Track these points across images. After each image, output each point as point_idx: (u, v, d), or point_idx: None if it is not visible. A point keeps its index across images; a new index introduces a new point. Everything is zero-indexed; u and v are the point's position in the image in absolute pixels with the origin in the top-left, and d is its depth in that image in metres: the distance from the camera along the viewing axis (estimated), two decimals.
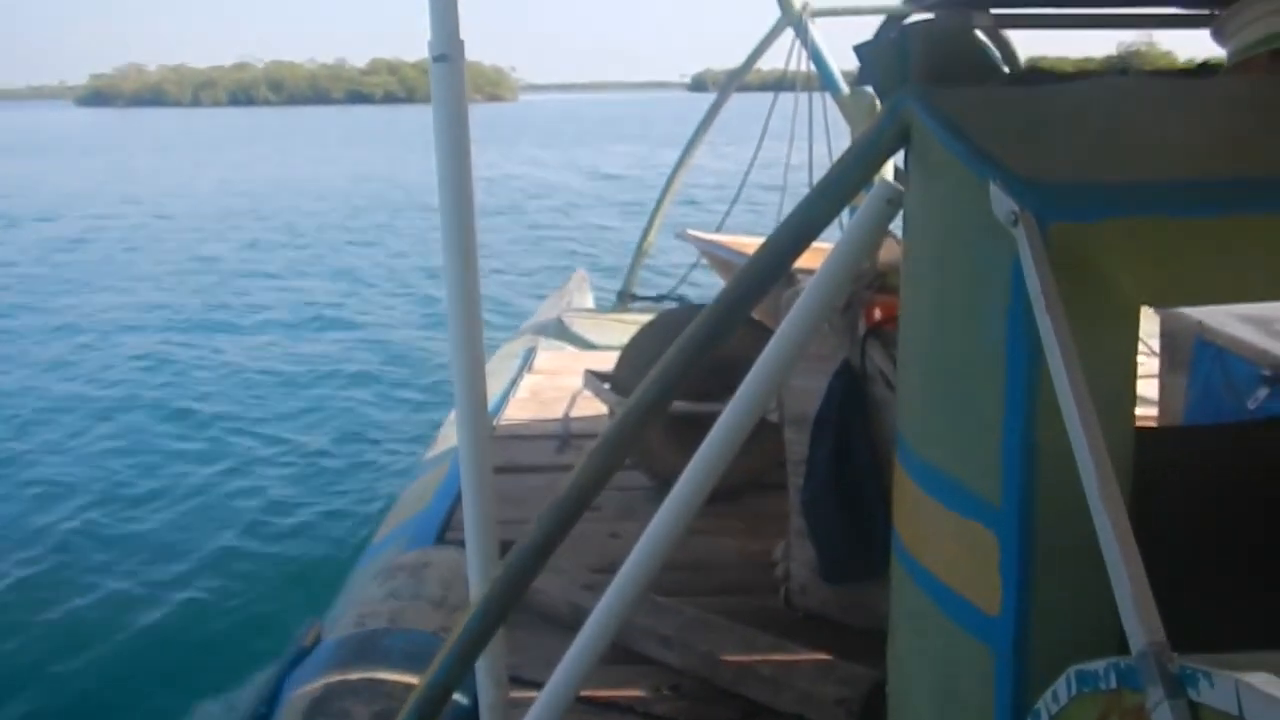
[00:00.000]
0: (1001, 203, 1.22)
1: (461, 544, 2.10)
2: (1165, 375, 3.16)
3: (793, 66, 6.67)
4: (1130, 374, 1.29)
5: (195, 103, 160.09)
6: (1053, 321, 1.14)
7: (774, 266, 1.55)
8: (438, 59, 1.72)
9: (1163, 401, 3.19)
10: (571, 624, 2.44)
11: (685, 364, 1.57)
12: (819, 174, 5.80)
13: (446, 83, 1.74)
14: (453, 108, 1.75)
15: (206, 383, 9.35)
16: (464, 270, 1.82)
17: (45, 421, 8.18)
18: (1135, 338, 1.28)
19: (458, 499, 3.75)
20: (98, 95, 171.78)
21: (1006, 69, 1.88)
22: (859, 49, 1.80)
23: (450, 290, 1.85)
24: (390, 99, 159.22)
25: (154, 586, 5.43)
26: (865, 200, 1.55)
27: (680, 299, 7.32)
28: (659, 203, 7.63)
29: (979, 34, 1.80)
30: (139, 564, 5.72)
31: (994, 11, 1.89)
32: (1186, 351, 3.01)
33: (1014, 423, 1.27)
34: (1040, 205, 1.21)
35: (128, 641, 4.85)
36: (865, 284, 2.64)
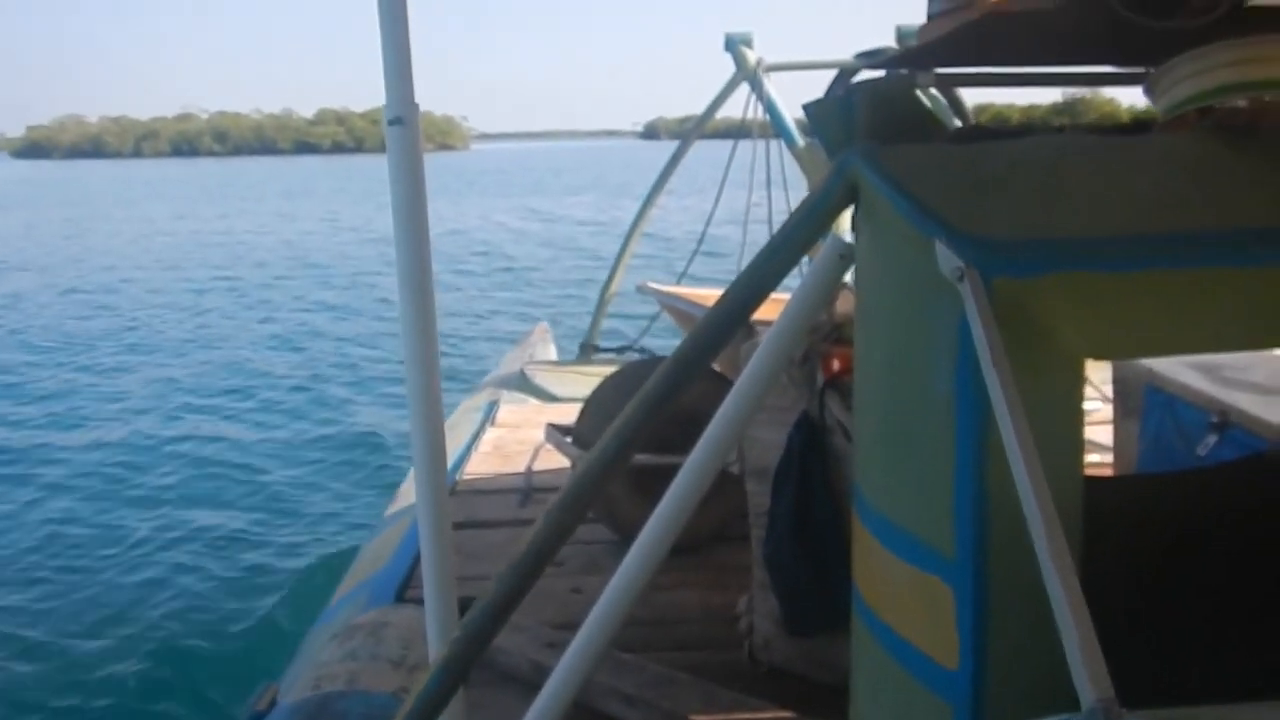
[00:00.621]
0: (947, 259, 1.25)
1: (421, 602, 2.08)
2: (1119, 423, 3.21)
3: (749, 117, 6.77)
4: (1076, 424, 1.31)
5: (137, 153, 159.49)
6: (998, 374, 1.16)
7: (731, 320, 1.57)
8: (393, 122, 1.74)
9: (1117, 449, 3.23)
10: (533, 682, 2.41)
11: (645, 418, 1.57)
12: (779, 222, 5.85)
13: (402, 145, 1.75)
14: (409, 170, 1.76)
15: (154, 445, 9.22)
16: (421, 329, 1.83)
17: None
18: (1080, 389, 1.30)
19: (418, 556, 3.71)
20: (35, 147, 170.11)
21: (956, 123, 1.92)
22: (807, 108, 1.84)
23: (408, 349, 1.85)
24: (338, 149, 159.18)
25: (101, 648, 5.32)
26: (818, 254, 1.58)
27: (643, 351, 7.33)
28: (621, 253, 7.66)
29: (924, 92, 1.85)
30: (88, 623, 5.62)
31: (938, 71, 1.94)
32: (1138, 399, 3.05)
33: (965, 474, 1.29)
34: (984, 261, 1.24)
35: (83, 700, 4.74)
36: (822, 336, 2.66)
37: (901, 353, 1.43)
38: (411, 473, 5.17)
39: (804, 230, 1.56)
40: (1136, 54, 1.87)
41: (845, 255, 1.54)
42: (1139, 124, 1.70)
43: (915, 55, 2.00)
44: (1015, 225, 1.30)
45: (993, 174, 1.38)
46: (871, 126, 1.60)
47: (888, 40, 6.24)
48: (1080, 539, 1.27)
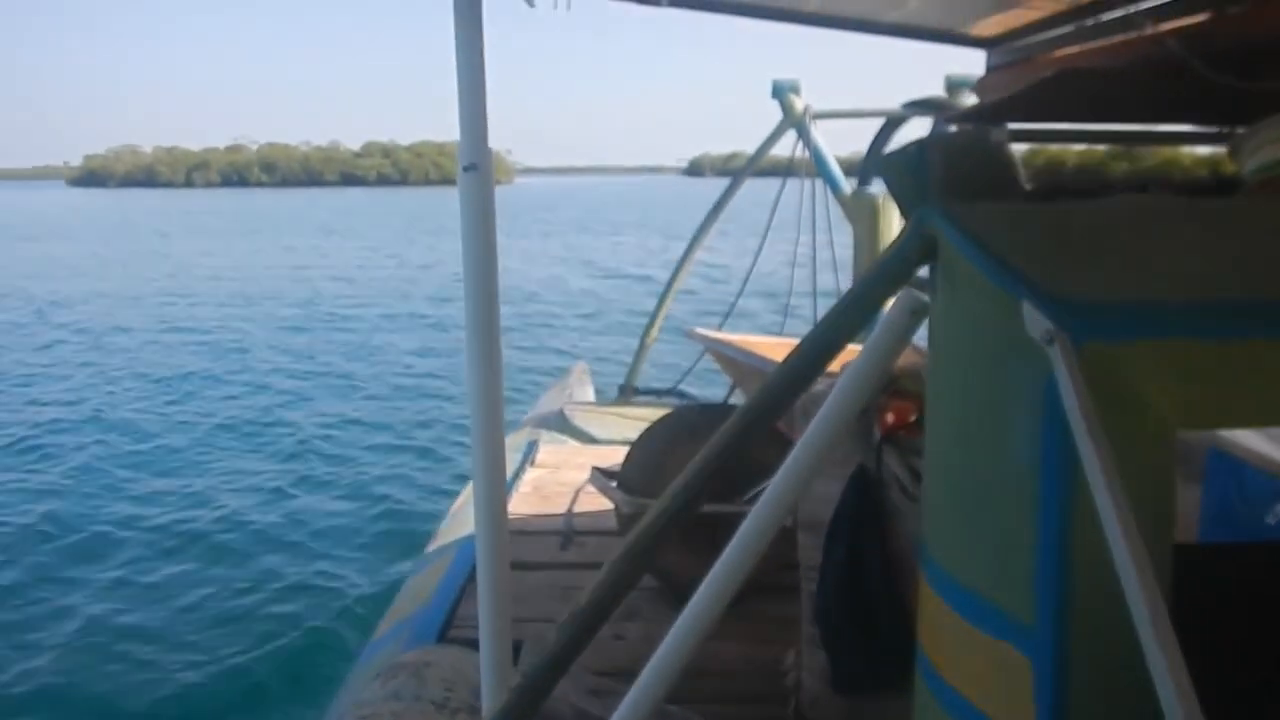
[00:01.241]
0: (1035, 322, 1.23)
1: (464, 642, 2.07)
2: (1178, 487, 3.13)
3: (795, 165, 6.78)
4: (1168, 495, 1.28)
5: (188, 183, 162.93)
6: (1094, 443, 1.13)
7: (803, 375, 1.55)
8: (467, 168, 1.76)
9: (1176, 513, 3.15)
10: None
11: (710, 472, 1.56)
12: (822, 266, 5.84)
13: (474, 191, 1.76)
14: (480, 215, 1.77)
15: (210, 473, 9.28)
16: (487, 370, 1.83)
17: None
18: (1172, 459, 1.27)
19: (460, 595, 3.70)
20: (91, 176, 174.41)
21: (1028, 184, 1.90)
22: (879, 160, 1.83)
23: (472, 389, 1.84)
24: (384, 181, 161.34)
25: (139, 683, 5.32)
26: (889, 310, 1.56)
27: (683, 394, 7.32)
28: (663, 295, 7.67)
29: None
30: (126, 662, 5.62)
31: (1010, 126, 1.93)
32: (1199, 463, 2.99)
33: (1048, 542, 1.25)
34: (1074, 324, 1.21)
35: None
36: (880, 388, 2.63)
37: (979, 414, 1.40)
38: (453, 508, 5.19)
39: (879, 286, 1.54)
40: (1216, 113, 1.84)
41: (918, 311, 1.52)
42: (1223, 184, 1.68)
43: (986, 109, 1.98)
44: (1105, 288, 1.28)
45: (1079, 235, 1.36)
46: (948, 182, 1.59)
47: (934, 88, 6.26)
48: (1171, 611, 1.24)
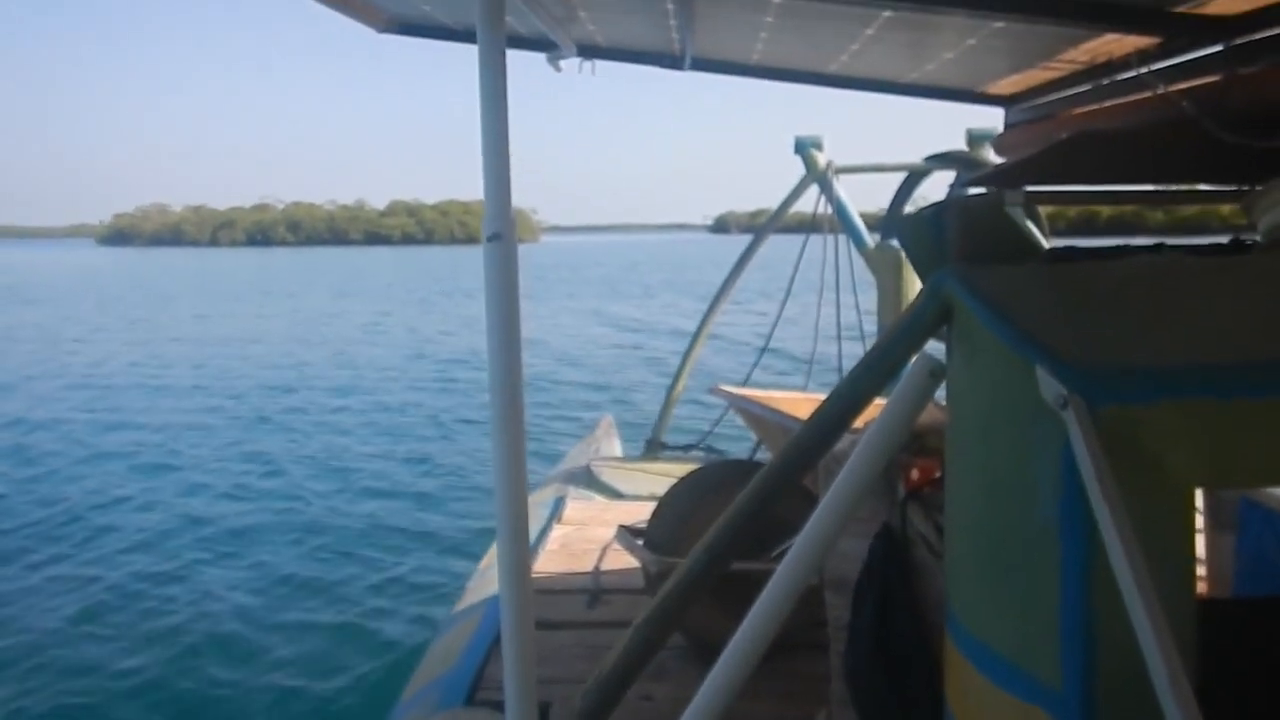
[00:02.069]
0: (1049, 386, 1.24)
1: (493, 704, 2.07)
2: (1212, 537, 3.11)
3: (818, 215, 6.83)
4: (1187, 553, 1.28)
5: (213, 242, 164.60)
6: (1109, 506, 1.14)
7: (823, 436, 1.57)
8: (491, 238, 1.80)
9: (1210, 564, 3.12)
10: None
11: (736, 530, 1.57)
12: (845, 323, 5.83)
13: (499, 260, 1.80)
14: (504, 283, 1.81)
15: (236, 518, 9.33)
16: (510, 436, 1.85)
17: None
18: (1191, 518, 1.27)
19: (488, 656, 3.69)
20: (119, 234, 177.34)
21: (1043, 245, 1.92)
22: (898, 223, 1.86)
23: (497, 454, 1.87)
24: (408, 240, 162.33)
25: None
26: (908, 372, 1.58)
27: (710, 449, 7.30)
28: (689, 350, 7.69)
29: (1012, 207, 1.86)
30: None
31: (1027, 189, 1.95)
32: (1232, 512, 2.96)
33: (1071, 605, 1.26)
34: (1089, 388, 1.23)
35: None
36: (903, 446, 2.63)
37: (999, 476, 1.41)
38: (480, 567, 5.20)
39: (896, 350, 1.56)
40: (1231, 173, 1.86)
41: (936, 373, 1.54)
42: (1237, 244, 1.69)
43: (1002, 172, 2.01)
44: (1119, 351, 1.29)
45: (1093, 298, 1.37)
46: (964, 246, 1.61)
47: (956, 142, 6.30)
48: (1195, 668, 1.24)
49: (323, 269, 72.13)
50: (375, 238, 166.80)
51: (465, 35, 3.76)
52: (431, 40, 3.85)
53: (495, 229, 1.80)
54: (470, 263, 76.32)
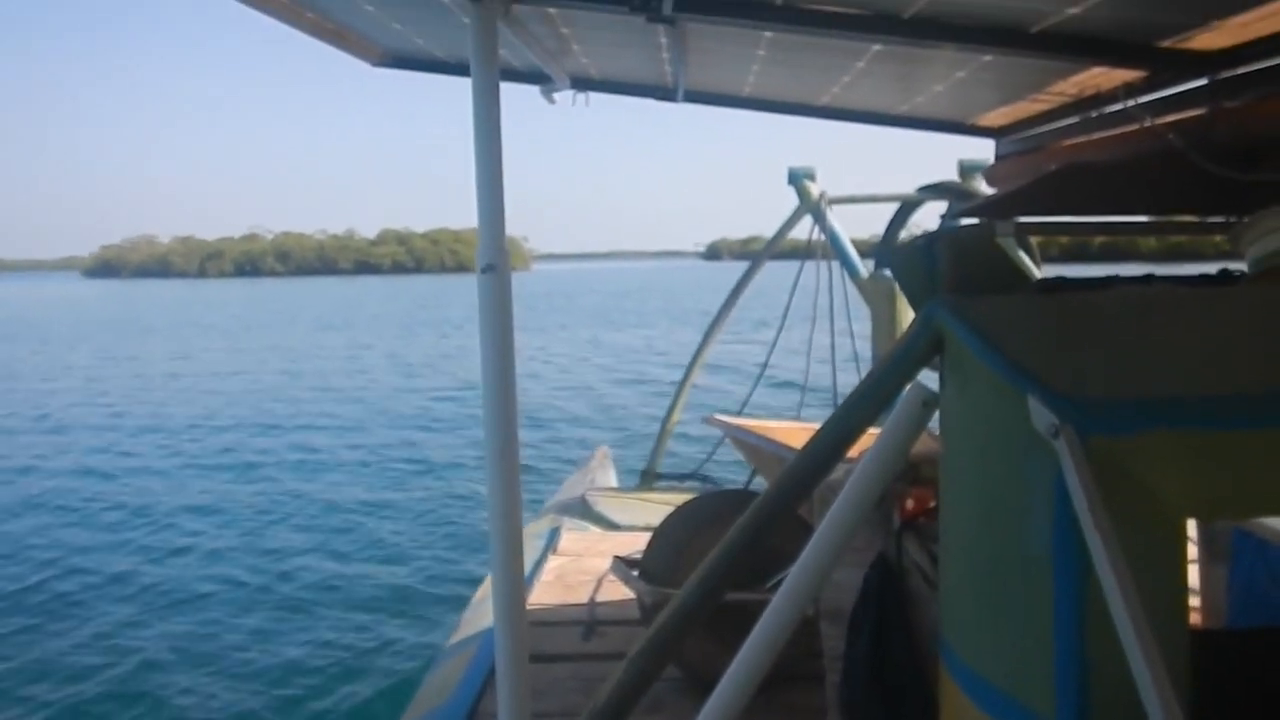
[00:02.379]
0: (1041, 416, 1.25)
1: None
2: (1205, 567, 3.11)
3: (812, 243, 6.85)
4: (1179, 583, 1.28)
5: (201, 273, 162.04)
6: (1101, 536, 1.15)
7: (817, 467, 1.58)
8: (485, 269, 1.81)
9: (1204, 595, 3.12)
10: None
11: (730, 561, 1.57)
12: (840, 351, 5.82)
13: (492, 291, 1.81)
14: (498, 313, 1.82)
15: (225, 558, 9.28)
16: (505, 467, 1.86)
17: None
18: (1184, 549, 1.28)
19: (483, 689, 3.67)
20: (106, 266, 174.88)
21: (1034, 275, 1.94)
22: (889, 254, 1.88)
23: (491, 487, 1.87)
24: (398, 269, 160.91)
25: None
26: (901, 402, 1.59)
27: (705, 478, 7.29)
28: (684, 380, 7.70)
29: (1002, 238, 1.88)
30: None
31: (1018, 220, 1.97)
32: (1225, 543, 2.96)
33: (1065, 635, 1.26)
34: (1080, 418, 1.24)
35: None
36: (898, 476, 2.64)
37: (992, 507, 1.42)
38: (475, 598, 5.17)
39: (888, 381, 1.57)
40: (1217, 204, 1.88)
41: (929, 402, 1.54)
42: (1225, 274, 1.70)
43: (993, 203, 2.03)
44: (1110, 381, 1.30)
45: (1084, 328, 1.38)
46: (955, 276, 1.63)
47: (948, 173, 6.35)
48: (1189, 700, 1.24)
49: (307, 300, 70.51)
50: (365, 267, 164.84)
51: (459, 69, 3.79)
52: (427, 74, 3.89)
53: (489, 260, 1.82)
54: (458, 292, 75.46)
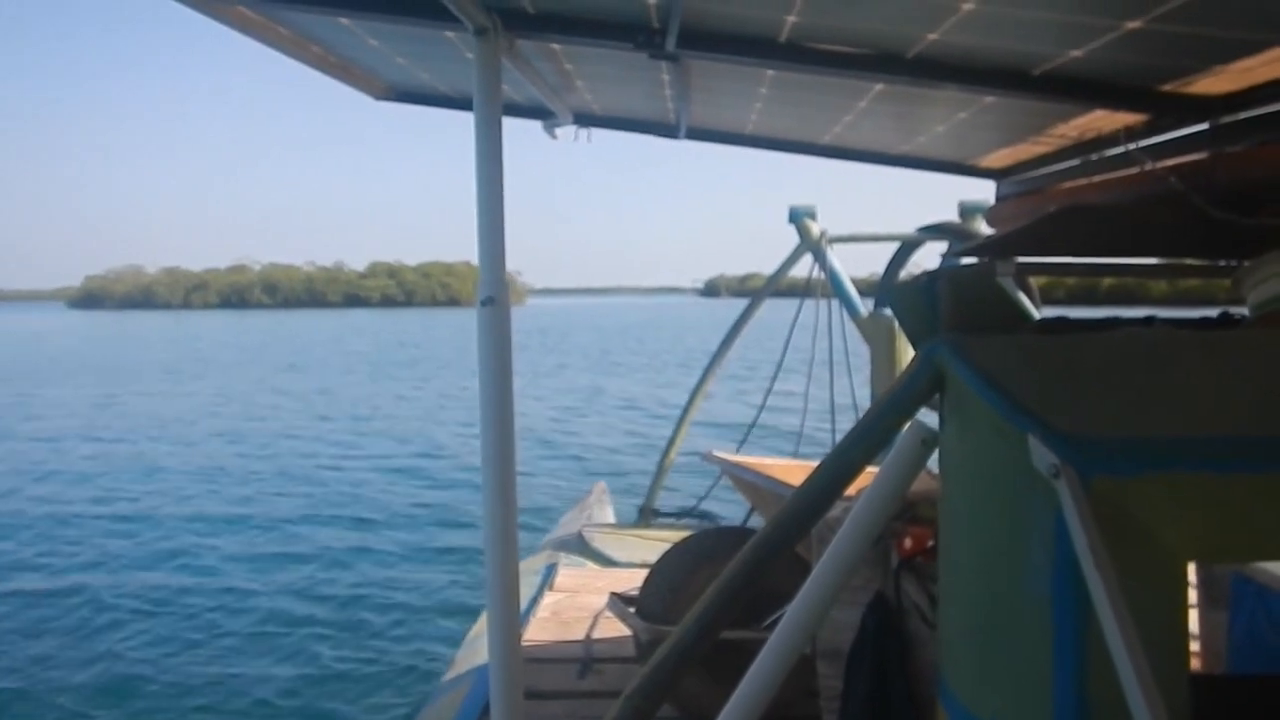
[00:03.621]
0: (1042, 455, 1.25)
1: None
2: (1204, 613, 3.09)
3: (812, 281, 6.88)
4: (1180, 627, 1.27)
5: (186, 305, 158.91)
6: (1102, 577, 1.14)
7: (815, 505, 1.56)
8: (485, 302, 1.81)
9: (1204, 640, 3.10)
10: None
11: (727, 599, 1.56)
12: (839, 390, 5.80)
13: (492, 323, 1.82)
14: (498, 346, 1.82)
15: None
16: (502, 501, 1.85)
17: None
18: (1184, 592, 1.27)
19: None
20: (90, 297, 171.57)
21: (1034, 315, 1.93)
22: (890, 292, 1.87)
23: (489, 521, 1.86)
24: (388, 302, 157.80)
25: None
26: (900, 440, 1.58)
27: (704, 515, 7.26)
28: (682, 417, 7.69)
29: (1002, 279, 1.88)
30: None
31: (1019, 260, 1.98)
32: (1224, 588, 2.94)
33: (1065, 677, 1.25)
34: (1081, 459, 1.23)
35: None
36: (896, 514, 2.63)
37: (991, 547, 1.41)
38: (470, 635, 5.13)
39: (888, 418, 1.57)
40: (1219, 248, 1.89)
41: (928, 441, 1.54)
42: (1226, 318, 1.70)
43: (993, 243, 2.03)
44: (1111, 422, 1.30)
45: (1085, 369, 1.38)
46: (956, 315, 1.63)
47: (948, 214, 6.38)
48: None
49: (284, 334, 67.93)
50: (354, 300, 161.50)
51: (462, 103, 3.81)
52: (429, 108, 3.91)
53: (490, 293, 1.82)
54: (446, 327, 73.11)
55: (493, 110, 2.00)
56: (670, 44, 2.04)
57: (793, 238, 7.08)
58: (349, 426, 21.07)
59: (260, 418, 22.51)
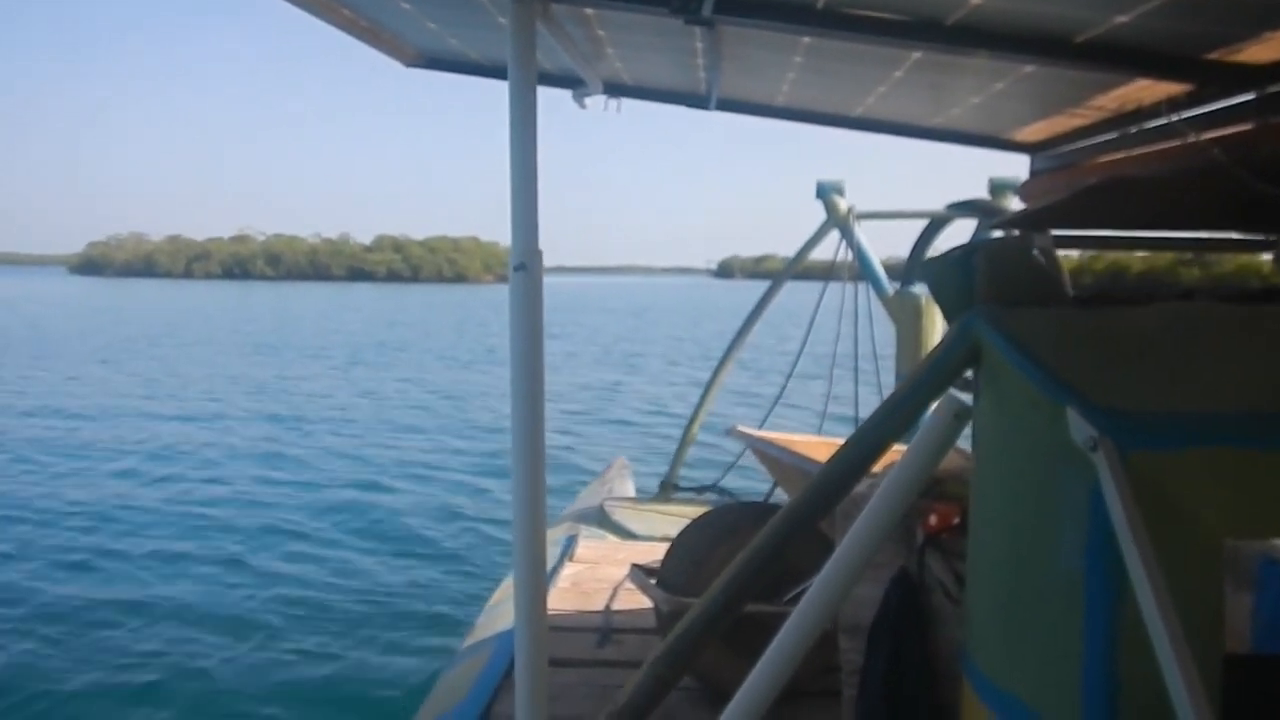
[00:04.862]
0: (1080, 428, 1.22)
1: None
2: (1229, 594, 3.05)
3: (837, 265, 6.84)
4: (1216, 606, 1.25)
5: (187, 274, 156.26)
6: (1139, 552, 1.12)
7: (844, 479, 1.55)
8: (518, 268, 1.80)
9: (1228, 623, 3.06)
10: None
11: (755, 572, 1.55)
12: (864, 366, 5.78)
13: (524, 290, 1.80)
14: (529, 312, 1.81)
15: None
16: (530, 468, 1.84)
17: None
18: (1220, 569, 1.25)
19: (496, 692, 3.65)
20: (91, 264, 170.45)
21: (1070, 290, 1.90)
22: (924, 265, 1.85)
23: (517, 487, 1.85)
24: (393, 277, 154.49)
25: None
26: (932, 414, 1.56)
27: (724, 491, 7.26)
28: (705, 393, 7.67)
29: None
30: None
31: (1054, 233, 1.94)
32: (1251, 570, 2.91)
33: (1095, 653, 1.23)
34: (1119, 432, 1.21)
35: None
36: (922, 491, 2.60)
37: (1024, 521, 1.39)
38: (491, 601, 5.16)
39: (923, 391, 1.54)
40: (1262, 222, 1.85)
41: (961, 415, 1.52)
42: (1269, 291, 1.67)
43: (1029, 215, 2.00)
44: (1151, 396, 1.27)
45: (1125, 342, 1.36)
46: (992, 288, 1.60)
47: (978, 189, 6.31)
48: None
49: (276, 307, 65.22)
50: (359, 273, 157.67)
51: (493, 70, 3.78)
52: (453, 75, 3.89)
53: (521, 259, 1.81)
54: (448, 305, 70.50)
55: (527, 76, 1.98)
56: (707, 9, 2.01)
57: (810, 219, 7.03)
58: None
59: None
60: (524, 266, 1.79)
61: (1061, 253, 1.93)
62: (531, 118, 1.99)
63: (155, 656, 6.94)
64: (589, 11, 2.61)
